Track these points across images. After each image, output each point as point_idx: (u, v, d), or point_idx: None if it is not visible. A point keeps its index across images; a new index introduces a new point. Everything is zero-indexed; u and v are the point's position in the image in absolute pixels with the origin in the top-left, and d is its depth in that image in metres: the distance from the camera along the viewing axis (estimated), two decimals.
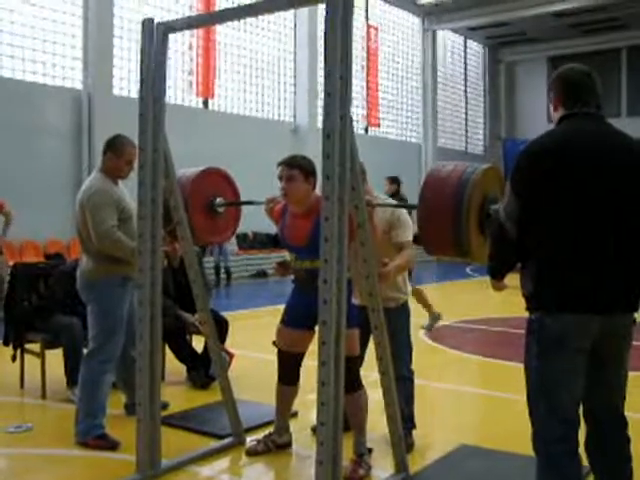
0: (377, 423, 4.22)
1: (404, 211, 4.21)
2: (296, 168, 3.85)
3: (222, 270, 14.66)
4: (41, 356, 5.40)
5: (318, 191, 3.62)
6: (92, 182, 4.42)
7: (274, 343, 4.16)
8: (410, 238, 4.02)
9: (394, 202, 4.07)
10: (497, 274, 2.93)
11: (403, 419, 3.86)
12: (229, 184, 4.65)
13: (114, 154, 4.40)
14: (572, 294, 2.65)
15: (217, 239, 4.51)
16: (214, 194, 4.45)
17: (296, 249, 3.97)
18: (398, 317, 4.20)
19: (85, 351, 4.57)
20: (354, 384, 3.73)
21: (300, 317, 3.98)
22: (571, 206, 2.64)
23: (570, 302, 2.65)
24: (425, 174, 3.43)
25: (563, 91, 2.82)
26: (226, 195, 4.55)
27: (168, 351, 5.83)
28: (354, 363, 3.79)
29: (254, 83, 18.12)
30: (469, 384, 6.39)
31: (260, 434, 4.35)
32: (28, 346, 5.58)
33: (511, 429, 4.67)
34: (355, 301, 3.92)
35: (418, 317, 8.57)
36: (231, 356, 5.80)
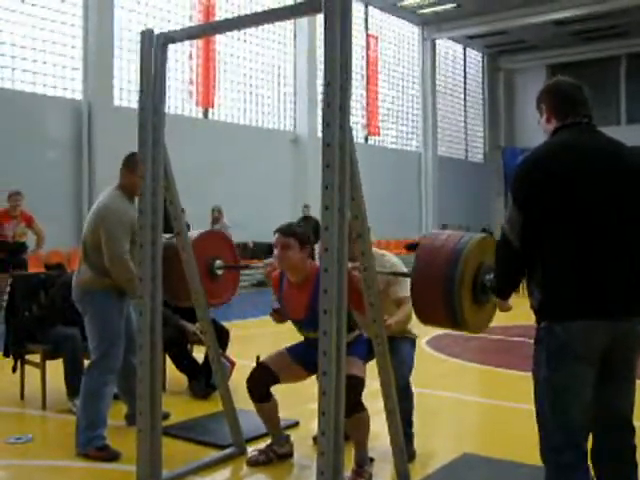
0: (378, 433, 4.21)
1: (401, 267, 4.25)
2: (291, 236, 3.90)
3: None
4: (41, 367, 5.39)
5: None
6: (110, 199, 4.40)
7: (258, 358, 4.19)
8: (408, 293, 4.01)
9: (388, 270, 4.09)
10: (504, 290, 2.93)
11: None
12: (228, 246, 4.68)
13: (128, 172, 4.37)
14: (579, 301, 2.66)
15: (216, 301, 4.52)
16: (213, 257, 4.47)
17: (296, 321, 4.09)
18: (401, 341, 4.24)
19: (87, 362, 4.56)
20: (356, 406, 3.72)
21: (306, 357, 4.02)
22: (572, 215, 2.66)
23: (578, 309, 2.66)
24: (420, 242, 3.46)
25: (556, 103, 2.87)
26: (225, 257, 4.57)
27: (169, 361, 5.83)
28: (360, 384, 3.82)
29: (254, 93, 18.17)
30: (470, 392, 6.37)
31: (261, 444, 4.34)
32: (28, 357, 5.57)
33: (513, 437, 4.66)
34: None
35: (418, 326, 8.56)
36: (232, 364, 5.80)
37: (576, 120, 2.82)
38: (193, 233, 4.42)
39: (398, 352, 4.12)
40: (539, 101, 2.95)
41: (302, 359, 4.10)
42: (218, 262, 4.48)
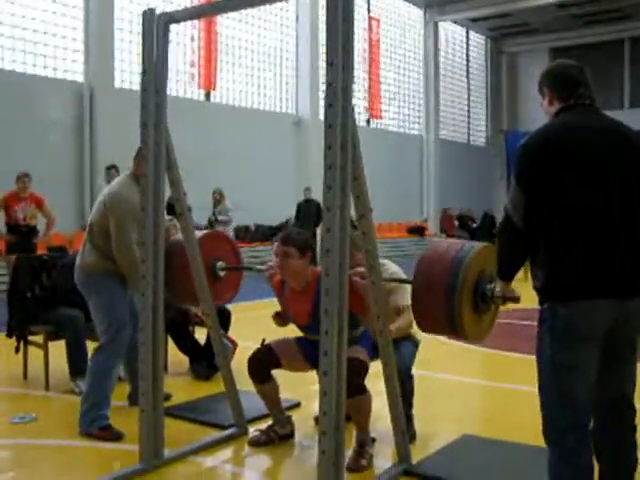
0: (379, 413, 4.24)
1: (401, 275, 4.26)
2: (291, 246, 3.90)
3: None
4: (44, 348, 5.42)
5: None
6: (122, 187, 4.40)
7: (263, 341, 4.22)
8: (408, 302, 4.02)
9: (390, 277, 4.09)
10: (507, 272, 2.93)
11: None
12: (231, 248, 4.68)
13: (139, 160, 4.37)
14: (583, 281, 2.67)
15: (217, 302, 4.51)
16: (216, 258, 4.47)
17: (300, 326, 4.14)
18: (403, 341, 4.26)
19: (89, 343, 4.58)
20: (358, 388, 3.74)
21: (308, 350, 4.06)
22: (577, 194, 2.67)
23: (582, 288, 2.67)
24: (423, 251, 3.46)
25: (557, 85, 2.89)
26: (228, 259, 4.57)
27: (171, 343, 5.85)
28: (362, 367, 3.85)
29: (256, 75, 18.10)
30: (472, 375, 6.40)
31: (263, 424, 4.37)
32: (31, 338, 5.60)
33: (513, 419, 4.69)
34: None
35: None
36: (235, 345, 5.82)
37: (578, 102, 2.83)
38: (197, 234, 4.42)
39: (400, 349, 4.14)
40: (541, 84, 2.96)
41: (306, 351, 4.13)
42: (220, 263, 4.49)
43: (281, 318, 4.22)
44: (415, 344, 4.42)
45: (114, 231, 4.29)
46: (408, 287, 3.95)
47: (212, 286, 4.32)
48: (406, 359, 4.24)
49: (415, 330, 4.23)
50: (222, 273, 4.50)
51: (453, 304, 3.18)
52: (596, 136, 2.73)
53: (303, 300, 3.99)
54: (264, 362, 4.14)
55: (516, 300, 3.10)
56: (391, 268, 4.29)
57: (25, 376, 5.63)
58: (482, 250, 3.33)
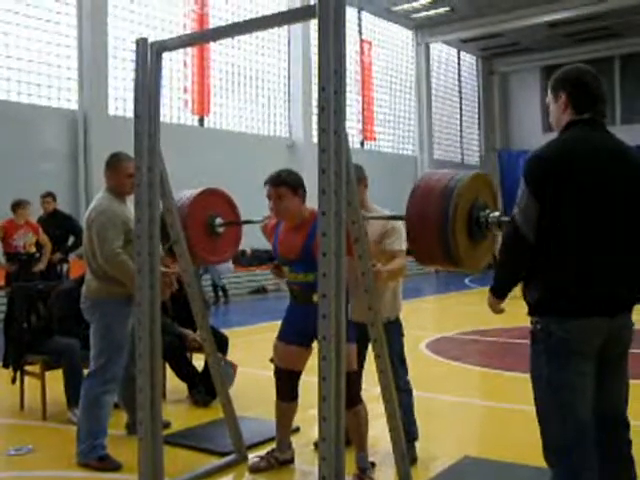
0: (379, 437, 4.21)
1: (395, 221, 4.20)
2: (282, 185, 3.83)
3: (218, 289, 14.53)
4: (41, 377, 5.38)
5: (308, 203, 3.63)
6: (99, 201, 4.43)
7: (271, 360, 4.17)
8: (403, 247, 3.97)
9: (384, 215, 4.04)
10: (504, 287, 2.87)
11: (404, 432, 3.84)
12: (229, 204, 4.67)
13: (112, 172, 4.44)
14: (580, 298, 2.66)
15: (217, 259, 4.51)
16: (213, 214, 4.46)
17: (289, 262, 3.98)
18: (388, 331, 4.17)
19: (86, 371, 4.56)
20: (353, 399, 3.70)
21: (295, 332, 3.98)
22: (579, 213, 2.66)
23: (579, 306, 2.66)
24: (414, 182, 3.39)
25: (577, 95, 2.81)
26: (226, 215, 4.56)
27: (169, 370, 5.82)
28: (352, 380, 3.78)
29: (249, 100, 18.18)
30: (471, 395, 6.36)
31: (262, 451, 4.33)
32: (28, 368, 5.56)
33: (514, 439, 4.66)
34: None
35: (417, 329, 8.55)
36: (235, 367, 5.79)
37: (592, 117, 2.79)
38: (193, 191, 4.41)
39: (388, 345, 3.88)
40: (556, 88, 2.87)
41: (293, 339, 4.00)
42: (218, 220, 4.46)
43: (279, 269, 4.12)
44: (398, 328, 4.29)
45: (97, 244, 4.28)
46: (402, 232, 3.89)
47: (211, 243, 4.30)
48: (396, 349, 4.14)
49: (398, 307, 4.19)
50: (221, 229, 4.47)
51: (447, 233, 3.09)
52: (604, 154, 2.72)
53: (297, 235, 3.87)
54: (289, 381, 4.07)
55: None
56: (384, 211, 4.19)
57: (22, 406, 5.59)
58: (475, 177, 3.24)
